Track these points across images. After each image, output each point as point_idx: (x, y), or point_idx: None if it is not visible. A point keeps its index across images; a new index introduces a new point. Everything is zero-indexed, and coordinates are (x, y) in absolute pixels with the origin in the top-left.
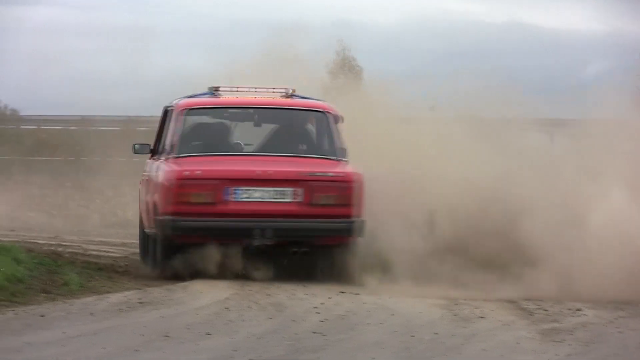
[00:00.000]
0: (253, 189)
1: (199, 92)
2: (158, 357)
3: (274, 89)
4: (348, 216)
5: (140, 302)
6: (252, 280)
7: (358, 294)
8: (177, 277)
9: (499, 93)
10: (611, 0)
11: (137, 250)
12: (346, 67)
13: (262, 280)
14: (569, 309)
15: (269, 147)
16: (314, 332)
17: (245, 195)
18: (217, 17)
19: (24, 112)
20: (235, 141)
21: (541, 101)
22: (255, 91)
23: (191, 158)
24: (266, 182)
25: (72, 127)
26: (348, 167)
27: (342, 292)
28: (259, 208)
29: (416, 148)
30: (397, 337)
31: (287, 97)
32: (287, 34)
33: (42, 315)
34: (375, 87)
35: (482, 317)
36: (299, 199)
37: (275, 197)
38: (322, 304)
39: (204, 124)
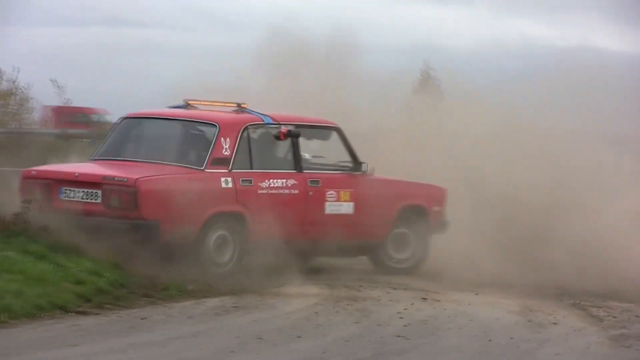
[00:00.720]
0: (72, 190)
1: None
2: (252, 358)
3: (225, 103)
4: (138, 218)
5: (235, 307)
6: (338, 288)
7: (439, 300)
8: (269, 284)
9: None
10: None
11: None
12: (430, 87)
13: (350, 287)
14: (637, 316)
15: (142, 153)
16: (398, 336)
17: (66, 195)
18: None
19: None
20: (138, 148)
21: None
22: (212, 104)
23: (93, 161)
24: (79, 184)
25: None
26: (156, 173)
27: (424, 299)
28: (74, 207)
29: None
30: (475, 341)
31: (236, 110)
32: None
33: (144, 318)
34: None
35: (554, 323)
36: (100, 200)
37: (86, 197)
38: (405, 309)
39: (124, 131)
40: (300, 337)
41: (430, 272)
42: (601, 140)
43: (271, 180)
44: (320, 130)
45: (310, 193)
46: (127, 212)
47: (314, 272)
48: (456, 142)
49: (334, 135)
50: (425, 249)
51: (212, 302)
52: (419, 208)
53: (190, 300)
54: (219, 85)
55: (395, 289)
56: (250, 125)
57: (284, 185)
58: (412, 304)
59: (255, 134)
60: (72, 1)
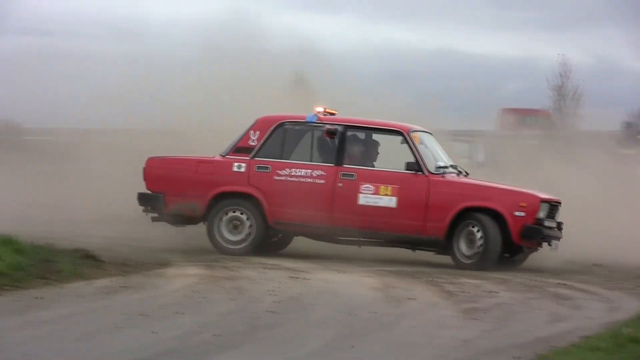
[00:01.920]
0: None
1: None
2: (137, 332)
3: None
4: None
5: (122, 287)
6: (216, 268)
7: (307, 278)
8: (154, 265)
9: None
10: (525, 31)
11: (120, 241)
12: (302, 86)
13: (227, 268)
14: (486, 291)
15: None
16: (270, 311)
17: None
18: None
19: None
20: None
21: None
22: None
23: None
24: None
25: None
26: None
27: (294, 277)
28: None
29: None
30: (340, 315)
31: None
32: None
33: (40, 298)
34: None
35: (411, 299)
36: None
37: None
38: (276, 287)
39: None
40: (181, 313)
41: (300, 253)
42: None
43: (292, 169)
44: (382, 132)
45: (340, 184)
46: None
47: (195, 254)
48: None
49: (399, 138)
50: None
51: (102, 282)
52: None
53: (82, 281)
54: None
55: (268, 268)
56: (288, 122)
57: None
58: (282, 282)
59: (292, 130)
60: None
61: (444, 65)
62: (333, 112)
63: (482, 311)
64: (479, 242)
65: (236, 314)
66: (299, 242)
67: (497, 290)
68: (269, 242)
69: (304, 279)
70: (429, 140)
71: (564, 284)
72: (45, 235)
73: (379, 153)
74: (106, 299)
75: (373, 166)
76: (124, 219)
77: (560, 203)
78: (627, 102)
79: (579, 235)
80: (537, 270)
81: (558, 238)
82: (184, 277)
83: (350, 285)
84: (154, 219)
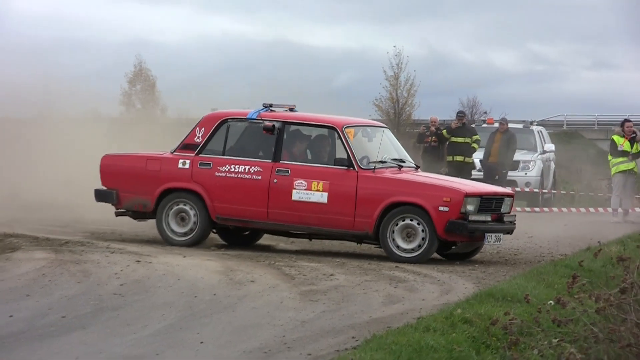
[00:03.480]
0: None
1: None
2: None
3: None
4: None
5: None
6: (63, 252)
7: (151, 262)
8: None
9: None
10: (362, 23)
11: None
12: (142, 77)
13: (73, 252)
14: (324, 274)
15: None
16: (115, 294)
17: None
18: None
19: None
20: None
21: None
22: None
23: None
24: None
25: None
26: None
27: (138, 261)
28: None
29: None
30: (183, 297)
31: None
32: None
33: None
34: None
35: (252, 281)
36: None
37: None
38: (121, 270)
39: None
40: (29, 295)
41: (145, 237)
42: None
43: (232, 166)
44: (317, 128)
45: (274, 180)
46: None
47: (42, 237)
48: None
49: (331, 134)
50: None
51: None
52: None
53: None
54: None
55: (113, 252)
56: (230, 119)
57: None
58: (127, 265)
59: (234, 127)
60: None
61: (280, 57)
62: (292, 106)
63: (320, 293)
64: (421, 236)
65: (82, 297)
66: (145, 226)
67: (334, 273)
68: (241, 236)
69: (148, 262)
70: (376, 134)
71: (400, 267)
72: None
73: (329, 148)
74: None
75: (310, 161)
76: None
77: (507, 196)
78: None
79: None
80: (374, 256)
81: (497, 231)
82: (31, 260)
83: (193, 269)
84: (117, 214)
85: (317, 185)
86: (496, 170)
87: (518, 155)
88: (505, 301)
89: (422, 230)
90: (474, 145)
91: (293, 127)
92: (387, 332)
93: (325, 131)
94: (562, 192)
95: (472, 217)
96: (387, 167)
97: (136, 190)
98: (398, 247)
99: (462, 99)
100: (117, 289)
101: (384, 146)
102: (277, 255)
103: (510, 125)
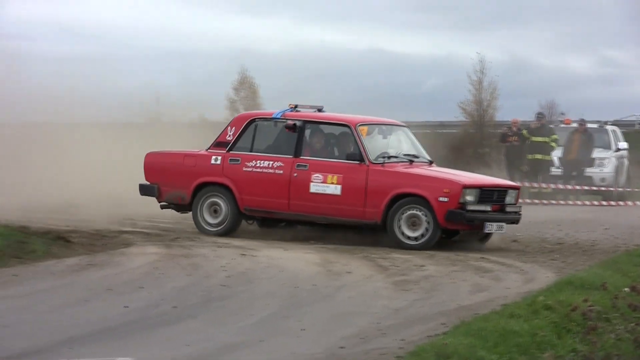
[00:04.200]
0: None
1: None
2: (104, 306)
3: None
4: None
5: (90, 264)
6: (173, 247)
7: (255, 255)
8: (118, 245)
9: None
10: (447, 32)
11: (87, 223)
12: (246, 84)
13: (183, 246)
14: (415, 265)
15: None
16: (222, 285)
17: None
18: (140, 47)
19: None
20: None
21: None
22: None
23: None
24: None
25: None
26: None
27: (243, 254)
28: None
29: None
30: (285, 288)
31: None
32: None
33: (16, 275)
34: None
35: (349, 272)
36: None
37: None
38: (227, 263)
39: None
40: (142, 287)
41: (248, 232)
42: None
43: (257, 161)
44: (333, 126)
45: (295, 174)
46: None
47: (154, 234)
48: None
49: (346, 131)
50: None
51: (71, 260)
52: None
53: (53, 259)
54: None
55: (220, 247)
56: (258, 119)
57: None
58: (233, 258)
59: (261, 126)
60: None
61: (373, 64)
62: (319, 107)
63: (411, 283)
64: (425, 225)
65: (192, 288)
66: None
67: (424, 264)
68: (278, 227)
69: (252, 255)
70: (393, 132)
71: (485, 258)
72: (18, 219)
73: (343, 144)
74: (75, 275)
75: (327, 157)
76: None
77: (511, 188)
78: (538, 95)
79: None
80: (461, 248)
81: (497, 220)
82: (145, 255)
83: (293, 261)
84: (162, 207)
85: (332, 179)
86: (574, 167)
87: (594, 153)
88: (584, 289)
89: (426, 219)
90: (552, 144)
91: (312, 126)
92: (474, 318)
93: (341, 129)
94: (635, 189)
95: (471, 207)
96: (398, 162)
97: (175, 185)
98: (404, 234)
99: (541, 101)
100: (224, 280)
101: (400, 143)
102: (371, 248)
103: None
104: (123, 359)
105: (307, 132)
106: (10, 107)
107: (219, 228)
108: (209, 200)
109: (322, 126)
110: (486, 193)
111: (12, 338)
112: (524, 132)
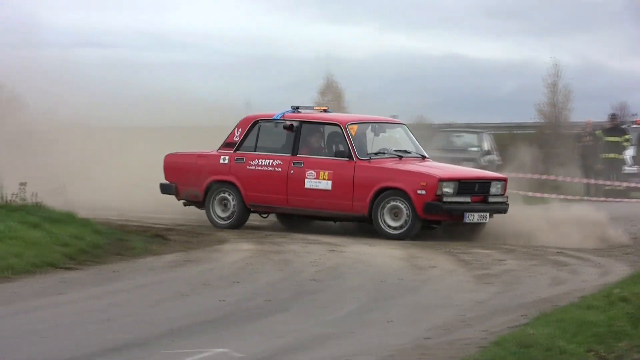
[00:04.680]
0: None
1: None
2: (200, 299)
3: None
4: None
5: (186, 260)
6: (265, 244)
7: (343, 251)
8: (213, 242)
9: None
10: (521, 37)
11: (182, 221)
12: (331, 89)
13: (275, 243)
14: (496, 259)
15: None
16: (312, 280)
17: None
18: (231, 53)
19: None
20: None
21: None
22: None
23: None
24: None
25: None
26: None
27: (332, 250)
28: None
29: None
30: (372, 282)
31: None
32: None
33: (116, 271)
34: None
35: (433, 267)
36: None
37: None
38: (317, 258)
39: None
40: (237, 282)
41: (336, 229)
42: None
43: (259, 160)
44: (326, 125)
45: (292, 171)
46: None
47: (247, 231)
48: None
49: (337, 130)
50: None
51: (169, 257)
52: None
53: (152, 256)
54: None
55: (309, 243)
56: (261, 120)
57: (270, 164)
58: (322, 254)
59: (264, 127)
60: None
61: (451, 69)
62: (324, 108)
63: (492, 276)
64: (405, 216)
65: (283, 282)
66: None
67: (504, 258)
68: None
69: (341, 251)
70: (387, 130)
71: (562, 252)
72: (117, 218)
73: (335, 142)
74: (173, 271)
75: (320, 154)
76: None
77: (495, 180)
78: (610, 97)
79: None
80: (538, 245)
81: (476, 211)
82: (239, 251)
83: (379, 256)
84: (185, 204)
85: (324, 175)
86: None
87: None
88: None
89: (406, 211)
90: (625, 143)
91: (308, 126)
92: (553, 310)
93: (332, 128)
94: None
95: (449, 199)
96: (386, 158)
97: (190, 183)
98: (387, 225)
99: (613, 103)
100: (314, 275)
101: (394, 139)
102: (453, 243)
103: None
104: (219, 350)
105: (303, 132)
106: (111, 111)
107: (228, 221)
108: (219, 197)
109: (316, 126)
110: (466, 185)
111: (114, 331)
112: (598, 132)
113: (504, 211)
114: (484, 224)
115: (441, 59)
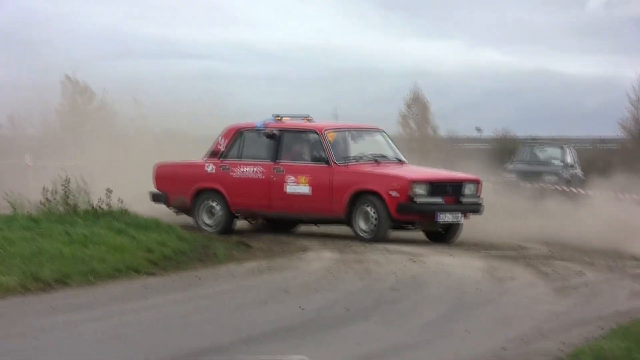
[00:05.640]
0: None
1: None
2: (281, 307)
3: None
4: None
5: (268, 268)
6: (347, 252)
7: (423, 261)
8: (295, 250)
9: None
10: (605, 53)
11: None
12: (418, 102)
13: (356, 252)
14: (575, 272)
15: None
16: (393, 289)
17: None
18: (323, 66)
19: None
20: None
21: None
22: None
23: None
24: None
25: None
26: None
27: (412, 260)
28: None
29: None
30: (452, 292)
31: None
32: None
33: (198, 278)
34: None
35: (512, 278)
36: None
37: None
38: (398, 268)
39: None
40: (317, 290)
41: (417, 240)
42: None
43: (243, 167)
44: (305, 132)
45: (273, 177)
46: None
47: (328, 240)
48: None
49: (315, 136)
50: None
51: (251, 264)
52: None
53: (234, 263)
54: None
55: (390, 253)
56: (244, 129)
57: (253, 171)
58: (403, 264)
59: (247, 135)
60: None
61: (539, 83)
62: (309, 118)
63: (571, 288)
64: (373, 219)
65: (364, 291)
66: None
67: (583, 270)
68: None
69: (421, 261)
70: (366, 136)
71: None
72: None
73: (313, 148)
74: (254, 278)
75: (300, 160)
76: None
77: (468, 181)
78: None
79: None
80: (617, 257)
81: (449, 211)
82: (320, 260)
83: (460, 267)
84: (176, 213)
85: (303, 180)
86: None
87: None
88: None
89: (373, 213)
90: None
91: (288, 133)
92: (631, 323)
93: (311, 135)
94: None
95: (421, 200)
96: (363, 162)
97: (179, 191)
98: (361, 228)
99: None
100: (394, 284)
101: (373, 145)
102: (533, 255)
103: None
104: (298, 357)
105: (284, 140)
106: (199, 122)
107: (214, 228)
108: (205, 203)
109: (296, 134)
110: (438, 186)
111: (195, 336)
112: None
113: (478, 211)
114: (459, 225)
115: (529, 74)
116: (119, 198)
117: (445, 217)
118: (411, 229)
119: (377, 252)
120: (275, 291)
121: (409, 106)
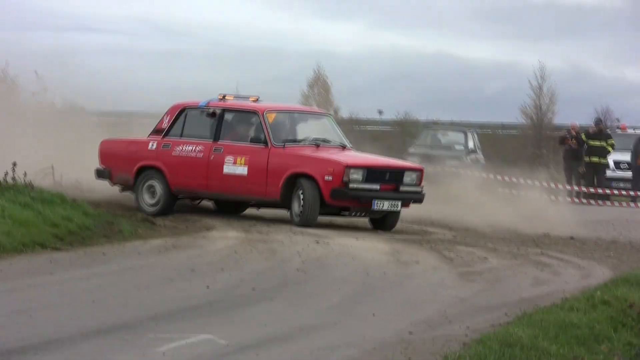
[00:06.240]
0: None
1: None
2: (187, 285)
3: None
4: None
5: (174, 246)
6: (252, 232)
7: (328, 243)
8: (200, 229)
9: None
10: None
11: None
12: (320, 82)
13: (261, 232)
14: (479, 257)
15: None
16: (298, 270)
17: None
18: (226, 44)
19: None
20: None
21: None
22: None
23: None
24: None
25: None
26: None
27: (317, 242)
28: None
29: None
30: (357, 274)
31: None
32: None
33: (104, 254)
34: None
35: (417, 262)
36: None
37: None
38: (303, 249)
39: None
40: (223, 269)
41: (322, 221)
42: None
43: (183, 146)
44: (246, 113)
45: (212, 157)
46: None
47: (234, 220)
48: None
49: (256, 117)
50: None
51: (156, 242)
52: None
53: (139, 240)
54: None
55: (295, 234)
56: (188, 107)
57: (192, 150)
58: (308, 245)
59: (190, 114)
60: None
61: (440, 68)
62: (255, 98)
63: (475, 274)
64: (302, 202)
65: (269, 272)
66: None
67: (487, 256)
68: (230, 207)
69: (326, 243)
70: (309, 120)
71: (545, 253)
72: (107, 200)
73: (253, 129)
74: (160, 256)
75: (239, 141)
76: None
77: (409, 169)
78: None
79: None
80: (522, 243)
81: (385, 198)
82: (225, 239)
83: (365, 250)
84: (120, 190)
85: (241, 160)
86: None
87: None
88: (639, 286)
89: (302, 197)
90: (609, 148)
91: (229, 113)
92: (536, 310)
93: (252, 115)
94: None
95: (355, 186)
96: (303, 145)
97: (122, 169)
98: (295, 212)
99: (597, 108)
100: (300, 265)
101: (317, 128)
102: (437, 239)
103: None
104: (204, 336)
105: (225, 119)
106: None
107: (155, 208)
108: (147, 182)
109: (237, 113)
110: (375, 173)
111: (102, 313)
112: (582, 135)
113: (419, 200)
114: (397, 212)
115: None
116: (23, 172)
117: (382, 205)
118: (346, 215)
119: (281, 233)
120: (181, 269)
121: (311, 86)
